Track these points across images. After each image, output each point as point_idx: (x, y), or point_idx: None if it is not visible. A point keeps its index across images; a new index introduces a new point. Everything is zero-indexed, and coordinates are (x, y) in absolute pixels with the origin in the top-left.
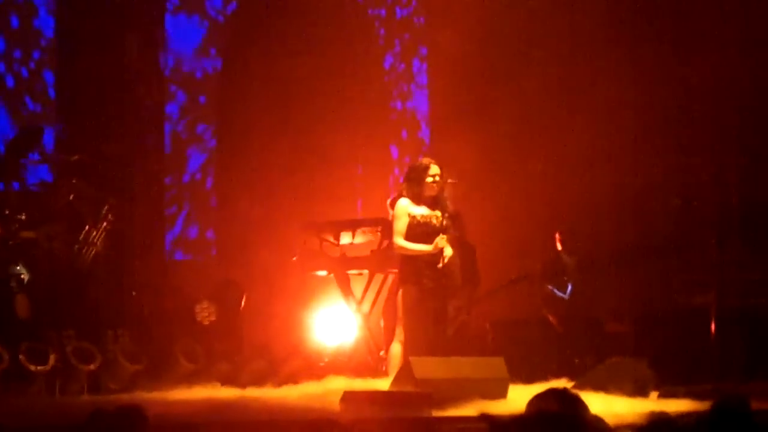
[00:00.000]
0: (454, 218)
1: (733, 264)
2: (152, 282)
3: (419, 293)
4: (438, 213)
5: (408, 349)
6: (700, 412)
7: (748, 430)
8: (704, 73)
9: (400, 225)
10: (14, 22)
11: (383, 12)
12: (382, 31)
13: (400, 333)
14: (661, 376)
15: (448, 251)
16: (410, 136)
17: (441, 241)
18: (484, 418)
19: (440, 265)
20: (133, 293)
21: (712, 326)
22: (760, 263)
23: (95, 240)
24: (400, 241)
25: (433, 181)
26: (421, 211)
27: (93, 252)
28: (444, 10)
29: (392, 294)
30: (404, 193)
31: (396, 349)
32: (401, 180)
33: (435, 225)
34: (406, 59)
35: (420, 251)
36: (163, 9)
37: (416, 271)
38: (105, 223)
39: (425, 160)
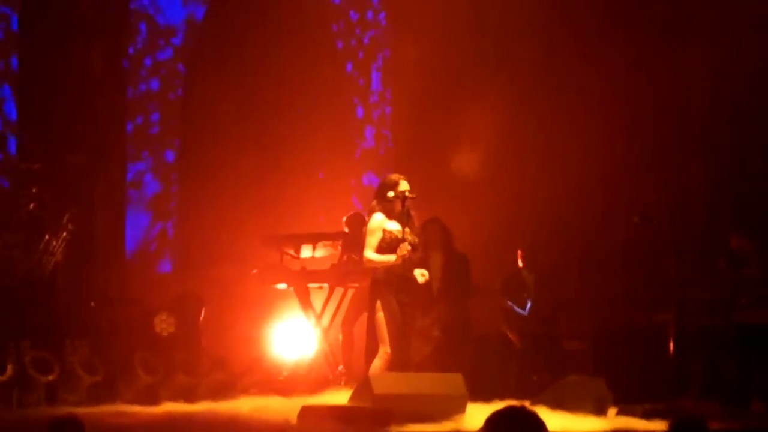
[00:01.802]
0: (443, 231)
1: (692, 283)
2: (112, 293)
3: (394, 308)
4: (408, 229)
5: (387, 366)
6: (658, 431)
7: None
8: (669, 92)
9: (374, 240)
10: None
11: (350, 21)
12: (350, 42)
13: (383, 351)
14: (619, 394)
15: (425, 271)
16: (374, 149)
17: (403, 249)
18: None
19: (422, 280)
20: (92, 304)
21: (671, 345)
22: (719, 283)
23: (55, 249)
24: (370, 254)
25: (395, 196)
26: (395, 226)
27: (53, 261)
28: (409, 21)
29: (352, 308)
30: (377, 208)
31: (377, 365)
32: (356, 198)
33: (409, 240)
34: (368, 72)
35: (387, 262)
36: (127, 19)
37: (389, 286)
38: (65, 233)
39: (395, 176)
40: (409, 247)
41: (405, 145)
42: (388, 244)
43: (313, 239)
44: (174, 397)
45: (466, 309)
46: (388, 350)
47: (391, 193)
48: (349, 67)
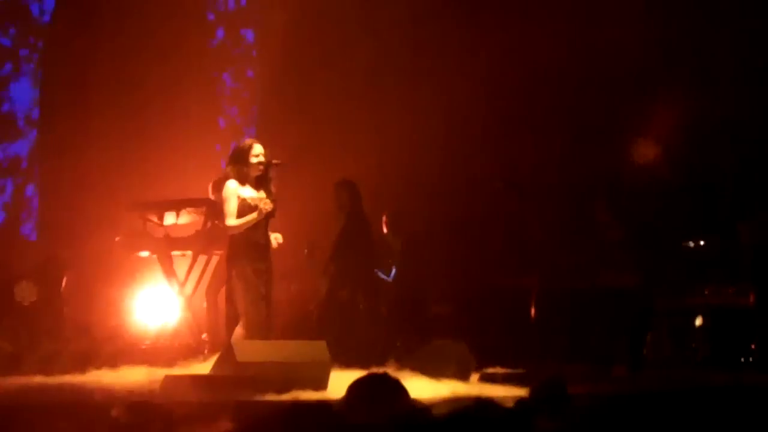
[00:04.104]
0: (351, 194)
1: (556, 247)
2: None
3: (252, 276)
4: (263, 194)
5: (248, 334)
6: (520, 396)
7: (566, 412)
8: (526, 59)
9: (232, 206)
10: None
11: None
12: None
13: (244, 319)
14: (482, 358)
15: (278, 235)
16: (238, 116)
17: (266, 205)
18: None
19: (275, 245)
20: None
21: (534, 309)
22: (583, 246)
23: None
24: (232, 221)
25: (258, 162)
26: (249, 193)
27: None
28: None
29: (216, 275)
30: (231, 175)
31: (239, 333)
32: (224, 163)
33: (261, 207)
34: (235, 38)
35: (251, 220)
36: None
37: (247, 254)
38: None
39: (249, 141)
40: (270, 203)
41: (269, 110)
42: (243, 212)
43: (177, 206)
44: (37, 366)
45: (368, 273)
46: (248, 318)
47: (254, 159)
48: (218, 33)
